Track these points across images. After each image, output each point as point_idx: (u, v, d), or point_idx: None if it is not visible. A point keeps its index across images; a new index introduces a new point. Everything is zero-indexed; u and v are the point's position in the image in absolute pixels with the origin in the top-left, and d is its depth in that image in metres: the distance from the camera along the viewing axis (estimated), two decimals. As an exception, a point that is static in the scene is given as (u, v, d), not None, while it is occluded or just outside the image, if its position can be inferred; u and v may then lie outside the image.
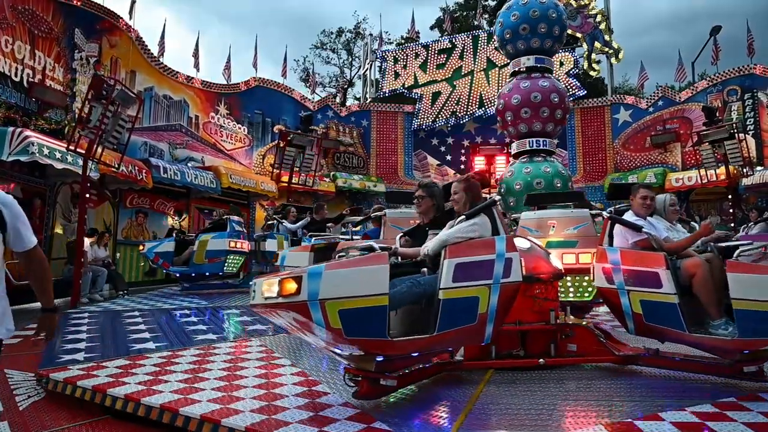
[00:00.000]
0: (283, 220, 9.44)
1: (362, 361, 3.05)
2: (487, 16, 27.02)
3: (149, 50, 14.07)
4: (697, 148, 13.90)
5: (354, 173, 19.17)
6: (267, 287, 2.80)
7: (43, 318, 2.37)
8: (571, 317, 4.44)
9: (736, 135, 12.87)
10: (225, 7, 69.78)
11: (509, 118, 9.96)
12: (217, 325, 6.04)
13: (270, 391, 3.47)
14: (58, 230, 10.33)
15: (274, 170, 15.32)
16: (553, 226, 5.18)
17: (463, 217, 3.29)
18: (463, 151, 20.83)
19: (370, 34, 26.75)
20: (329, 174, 18.41)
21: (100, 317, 6.63)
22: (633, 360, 3.89)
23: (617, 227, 3.99)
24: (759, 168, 13.85)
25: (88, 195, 9.25)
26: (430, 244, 3.32)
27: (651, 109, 18.08)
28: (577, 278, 4.99)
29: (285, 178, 14.59)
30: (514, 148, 10.28)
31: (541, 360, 3.84)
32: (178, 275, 10.07)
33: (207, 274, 9.87)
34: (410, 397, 3.36)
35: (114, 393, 3.40)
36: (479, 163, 16.41)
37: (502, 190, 10.05)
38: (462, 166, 20.74)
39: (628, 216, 3.98)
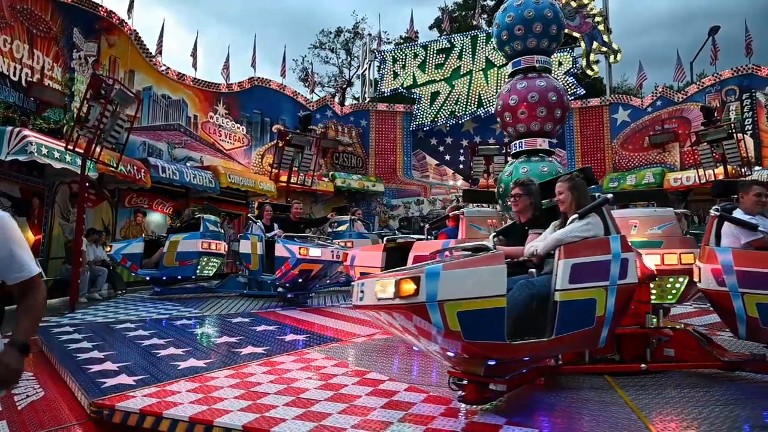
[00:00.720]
0: (258, 220, 8.55)
1: (471, 365, 2.95)
2: (485, 16, 27.03)
3: (148, 50, 14.06)
4: (695, 148, 13.94)
5: (353, 173, 19.18)
6: (381, 288, 2.70)
7: (7, 354, 1.61)
8: (668, 321, 4.25)
9: (735, 135, 12.90)
10: (223, 8, 69.80)
11: (507, 118, 10.01)
12: (246, 337, 5.40)
13: (408, 412, 3.05)
14: (57, 230, 10.31)
15: (273, 170, 15.34)
16: (635, 226, 4.91)
17: (575, 216, 3.18)
18: (461, 150, 20.87)
19: (369, 34, 26.78)
20: (328, 174, 18.42)
21: (105, 331, 5.82)
22: (740, 366, 3.73)
23: (726, 226, 3.74)
24: (757, 168, 13.90)
25: (86, 194, 9.24)
26: (539, 244, 3.21)
27: (649, 109, 18.12)
28: (661, 280, 4.80)
29: (284, 178, 14.59)
30: (513, 149, 10.32)
31: (643, 365, 3.70)
32: (148, 279, 9.35)
33: (179, 277, 9.14)
34: (550, 406, 3.18)
35: (227, 424, 2.89)
36: (478, 162, 16.42)
37: (500, 190, 10.07)
38: (461, 166, 20.78)
39: (738, 214, 3.77)
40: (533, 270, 3.23)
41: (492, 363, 2.88)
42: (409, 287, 2.61)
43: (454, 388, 3.10)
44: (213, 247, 9.08)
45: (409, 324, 2.75)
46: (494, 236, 3.80)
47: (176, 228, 9.62)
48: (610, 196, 3.33)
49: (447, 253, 3.35)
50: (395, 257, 5.64)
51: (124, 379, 3.76)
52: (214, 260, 9.38)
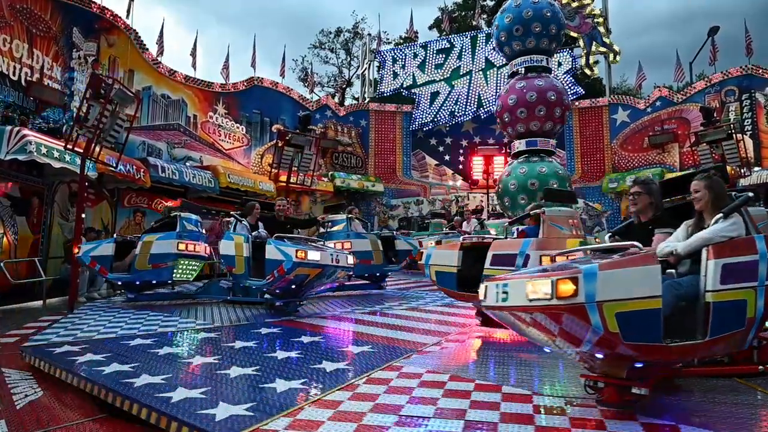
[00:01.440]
0: (243, 219, 7.53)
1: (614, 368, 2.88)
2: (485, 16, 27.06)
3: (147, 49, 14.07)
4: (694, 148, 13.97)
5: (352, 173, 19.20)
6: (533, 288, 2.67)
7: None
8: None
9: (734, 135, 12.93)
10: (223, 8, 69.81)
11: (507, 119, 9.99)
12: (306, 351, 4.67)
13: (607, 430, 2.79)
14: (56, 229, 10.31)
15: (273, 170, 15.34)
16: None
17: (720, 215, 3.11)
18: (461, 151, 20.90)
19: (369, 34, 26.81)
20: (328, 174, 18.44)
21: (123, 348, 4.79)
22: None
23: None
24: (756, 168, 13.90)
25: (86, 194, 9.23)
26: (678, 244, 3.16)
27: (649, 110, 18.14)
28: None
29: (283, 178, 14.58)
30: (513, 149, 10.32)
31: (760, 367, 3.57)
32: (120, 283, 8.44)
33: (154, 282, 8.19)
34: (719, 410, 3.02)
35: None
36: (477, 163, 16.47)
37: (500, 190, 10.10)
38: (461, 166, 20.79)
39: None
40: (672, 271, 3.19)
41: (639, 365, 2.83)
42: (567, 288, 2.59)
43: (589, 391, 3.08)
44: (191, 248, 8.11)
45: (563, 325, 2.69)
46: (610, 236, 3.75)
47: (150, 228, 8.79)
48: (751, 194, 3.25)
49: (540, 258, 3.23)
50: (471, 256, 5.54)
51: (231, 408, 3.08)
52: (194, 263, 8.42)
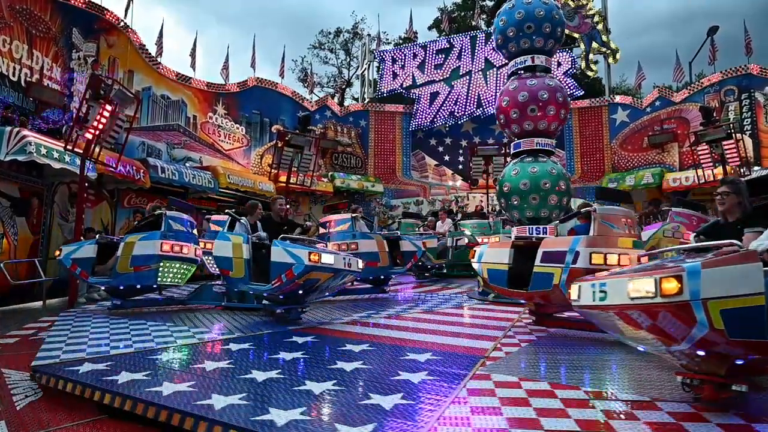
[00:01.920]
0: (242, 218, 6.96)
1: (713, 366, 2.92)
2: (484, 16, 27.07)
3: (147, 50, 14.07)
4: (694, 148, 13.96)
5: (352, 173, 19.21)
6: (634, 287, 2.73)
7: None
8: None
9: (734, 135, 12.94)
10: (223, 8, 69.90)
11: (502, 120, 10.02)
12: (367, 362, 4.24)
13: None
14: (56, 230, 10.31)
15: (272, 170, 15.35)
16: None
17: None
18: (461, 151, 20.90)
19: (368, 35, 26.81)
20: (327, 174, 18.44)
21: (162, 365, 4.17)
22: None
23: None
24: (756, 168, 13.92)
25: (85, 194, 9.24)
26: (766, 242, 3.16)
27: (648, 110, 18.15)
28: None
29: (283, 178, 14.60)
30: (512, 150, 10.34)
31: None
32: (103, 288, 7.83)
33: (138, 286, 7.37)
34: None
35: None
36: (477, 163, 16.46)
37: (497, 192, 10.09)
38: (460, 167, 20.80)
39: None
40: (766, 269, 3.22)
41: (740, 362, 2.84)
42: (671, 286, 2.64)
43: (686, 389, 3.11)
44: (177, 249, 7.47)
45: (667, 323, 2.73)
46: (695, 236, 3.75)
47: (134, 227, 8.27)
48: None
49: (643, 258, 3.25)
50: (521, 254, 5.58)
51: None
52: (185, 266, 7.72)
